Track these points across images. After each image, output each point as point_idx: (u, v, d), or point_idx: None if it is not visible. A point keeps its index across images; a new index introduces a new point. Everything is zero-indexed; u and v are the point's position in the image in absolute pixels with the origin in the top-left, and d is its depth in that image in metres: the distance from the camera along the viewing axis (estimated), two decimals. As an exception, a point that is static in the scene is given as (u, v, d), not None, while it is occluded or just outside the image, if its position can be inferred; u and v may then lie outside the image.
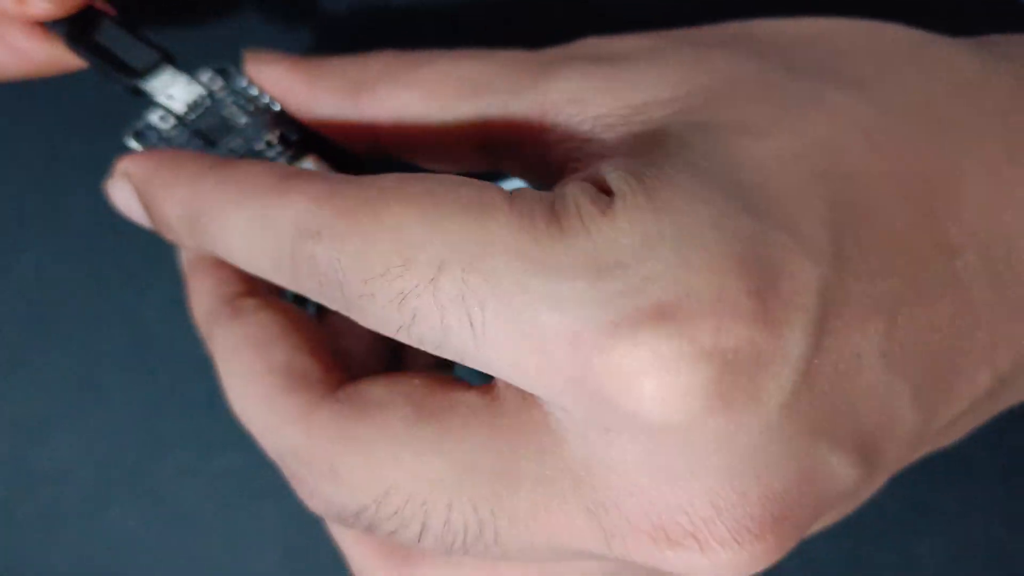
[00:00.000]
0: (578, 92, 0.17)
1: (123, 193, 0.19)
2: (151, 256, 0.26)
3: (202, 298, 0.20)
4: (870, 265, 0.15)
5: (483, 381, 0.16)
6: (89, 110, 0.26)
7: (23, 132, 0.26)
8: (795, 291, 0.14)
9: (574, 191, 0.15)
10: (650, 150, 0.15)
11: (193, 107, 0.20)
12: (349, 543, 0.19)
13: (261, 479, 0.26)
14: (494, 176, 0.23)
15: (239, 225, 0.16)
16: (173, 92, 0.20)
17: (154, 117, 0.20)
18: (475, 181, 0.15)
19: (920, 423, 0.16)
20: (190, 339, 0.26)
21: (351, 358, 0.19)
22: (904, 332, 0.15)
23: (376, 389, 0.16)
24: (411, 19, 0.26)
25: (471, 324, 0.14)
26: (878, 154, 0.16)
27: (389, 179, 0.15)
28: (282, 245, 0.16)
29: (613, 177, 0.15)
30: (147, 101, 0.20)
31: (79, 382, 0.26)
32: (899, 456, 0.16)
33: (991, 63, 0.18)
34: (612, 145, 0.17)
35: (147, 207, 0.18)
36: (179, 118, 0.20)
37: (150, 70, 0.20)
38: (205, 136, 0.20)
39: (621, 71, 0.17)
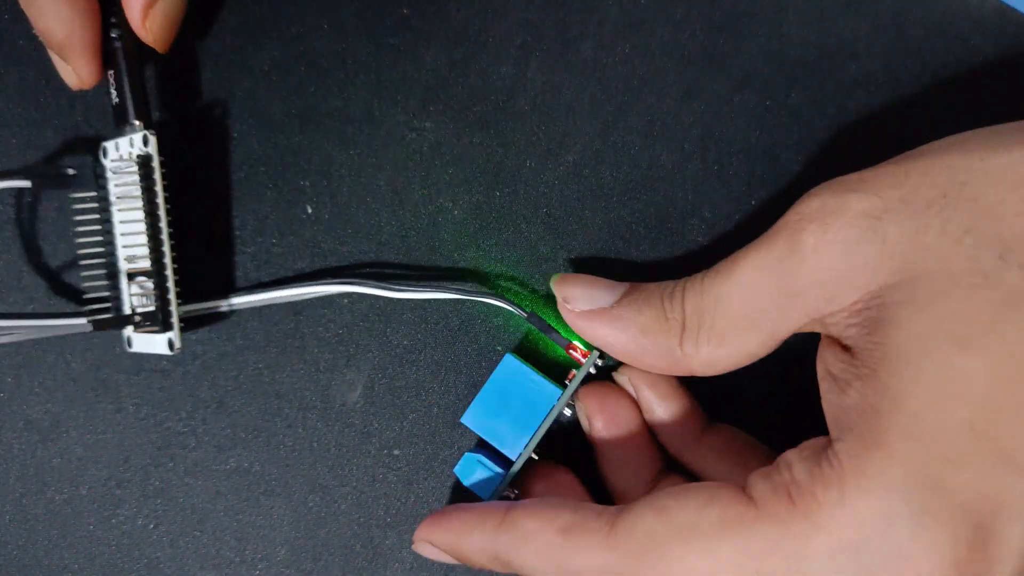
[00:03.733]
0: None
1: (431, 550, 0.24)
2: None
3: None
4: None
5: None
6: (92, 121, 0.26)
7: (27, 134, 0.26)
8: (1003, 555, 0.17)
9: None
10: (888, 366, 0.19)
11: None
12: None
13: (269, 478, 0.26)
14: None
15: (537, 565, 0.21)
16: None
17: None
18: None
19: None
20: (201, 339, 0.26)
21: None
22: None
23: None
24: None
25: None
26: None
27: (649, 520, 0.20)
28: None
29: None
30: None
31: (91, 382, 0.26)
32: None
33: None
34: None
35: (454, 556, 0.23)
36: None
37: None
38: None
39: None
